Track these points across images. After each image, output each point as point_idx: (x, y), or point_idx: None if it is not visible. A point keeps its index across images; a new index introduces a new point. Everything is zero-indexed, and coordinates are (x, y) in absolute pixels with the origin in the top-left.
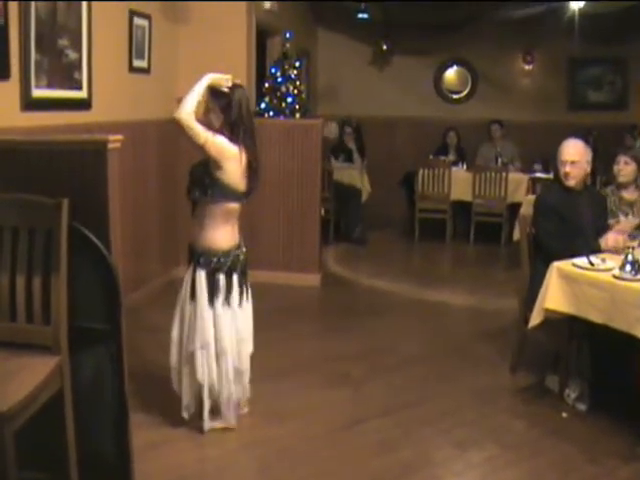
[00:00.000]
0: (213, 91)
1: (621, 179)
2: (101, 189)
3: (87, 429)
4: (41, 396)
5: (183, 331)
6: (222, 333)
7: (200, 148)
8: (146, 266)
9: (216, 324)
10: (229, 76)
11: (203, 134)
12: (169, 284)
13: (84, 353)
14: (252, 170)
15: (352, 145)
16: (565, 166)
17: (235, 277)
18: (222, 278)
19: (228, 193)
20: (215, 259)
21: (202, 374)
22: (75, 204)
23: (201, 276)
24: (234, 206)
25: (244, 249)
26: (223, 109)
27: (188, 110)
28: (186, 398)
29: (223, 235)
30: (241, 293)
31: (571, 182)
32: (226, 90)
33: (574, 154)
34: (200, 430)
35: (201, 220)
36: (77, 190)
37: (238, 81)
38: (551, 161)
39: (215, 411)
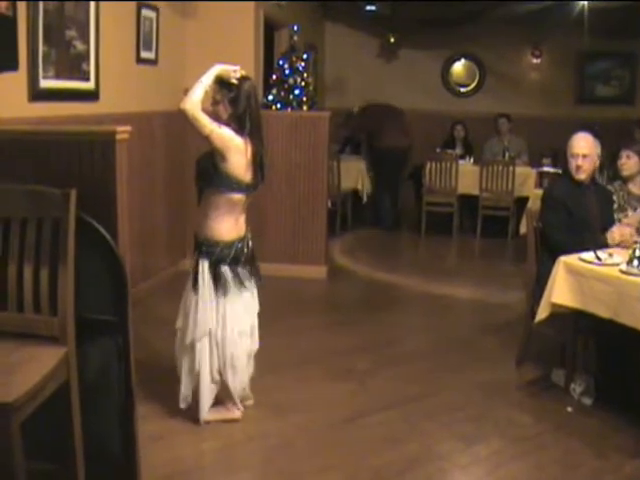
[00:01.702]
0: (221, 82)
1: (624, 173)
2: (109, 180)
3: (93, 420)
4: (48, 387)
5: (186, 321)
6: (223, 324)
7: (205, 139)
8: (153, 257)
9: (217, 315)
10: (237, 67)
11: (209, 125)
12: (176, 275)
13: (91, 344)
14: (257, 163)
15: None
16: (577, 159)
17: (239, 269)
18: (225, 269)
19: (232, 184)
20: (218, 249)
21: (199, 365)
22: (83, 195)
23: (204, 266)
24: (238, 197)
25: (250, 242)
26: (231, 101)
27: (194, 101)
28: (184, 388)
29: (226, 226)
30: (243, 284)
31: (582, 176)
32: (234, 82)
33: (585, 147)
34: (202, 422)
35: (206, 209)
36: (85, 181)
37: (244, 73)
38: (560, 155)
39: (219, 403)
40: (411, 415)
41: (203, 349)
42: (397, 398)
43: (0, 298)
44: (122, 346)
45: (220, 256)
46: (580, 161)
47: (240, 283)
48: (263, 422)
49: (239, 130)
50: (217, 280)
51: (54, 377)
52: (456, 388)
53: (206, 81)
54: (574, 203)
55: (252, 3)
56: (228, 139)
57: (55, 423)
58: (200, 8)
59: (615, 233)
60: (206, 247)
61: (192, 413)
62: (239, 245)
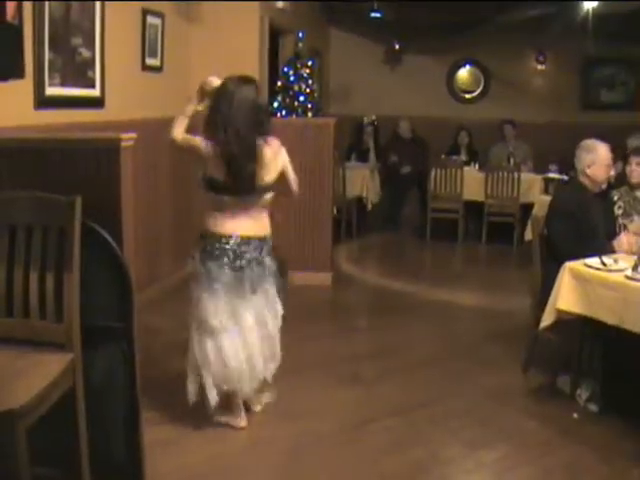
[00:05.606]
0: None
1: (634, 180)
2: (114, 187)
3: (99, 426)
4: (53, 393)
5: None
6: (210, 317)
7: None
8: (158, 264)
9: (206, 307)
10: (214, 77)
11: (197, 140)
12: (182, 281)
13: (96, 351)
14: (228, 166)
15: (371, 144)
16: (610, 169)
17: (226, 266)
18: (212, 264)
19: (211, 185)
20: (208, 241)
21: (193, 357)
22: (88, 202)
23: (196, 257)
24: (223, 199)
25: (252, 244)
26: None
27: (179, 129)
28: (190, 383)
29: (215, 220)
30: (239, 285)
31: (605, 185)
32: (209, 90)
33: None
34: (210, 427)
35: (206, 207)
36: (90, 188)
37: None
38: (569, 162)
39: (226, 408)
40: (417, 421)
41: (194, 340)
42: (403, 404)
43: (6, 304)
44: (127, 352)
45: (208, 249)
46: (612, 171)
47: (234, 282)
48: (270, 428)
49: (213, 134)
50: (204, 273)
51: (60, 383)
52: (462, 394)
53: (188, 109)
54: (583, 211)
55: (257, 10)
56: (197, 146)
57: (60, 429)
58: (205, 14)
59: (623, 242)
60: (199, 239)
61: (198, 419)
62: (227, 241)
